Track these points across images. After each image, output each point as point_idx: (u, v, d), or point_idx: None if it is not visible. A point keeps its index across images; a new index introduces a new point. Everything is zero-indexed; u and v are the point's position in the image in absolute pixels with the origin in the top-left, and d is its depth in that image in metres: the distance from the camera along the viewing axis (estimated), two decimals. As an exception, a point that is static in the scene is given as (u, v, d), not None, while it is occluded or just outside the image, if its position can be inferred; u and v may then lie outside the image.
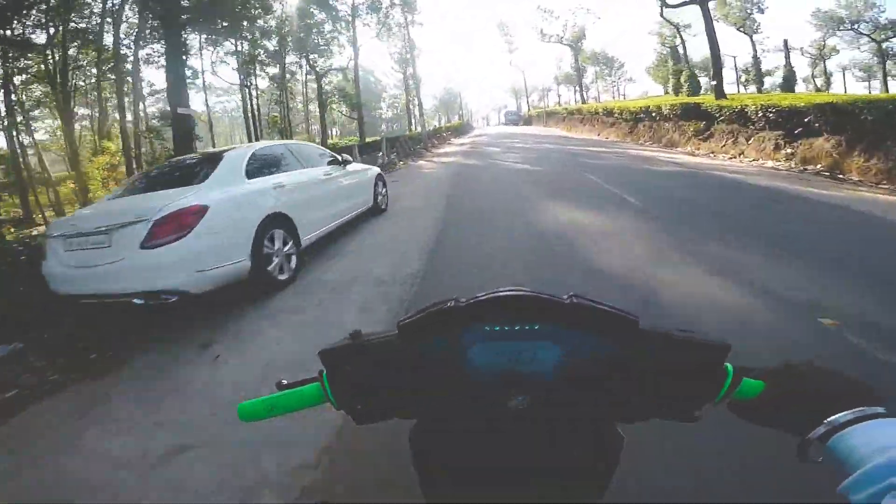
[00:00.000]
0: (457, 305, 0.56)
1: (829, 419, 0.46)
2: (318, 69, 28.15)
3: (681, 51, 37.87)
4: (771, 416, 0.53)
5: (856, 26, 36.50)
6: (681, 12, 28.81)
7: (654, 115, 18.34)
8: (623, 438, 0.62)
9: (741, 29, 36.63)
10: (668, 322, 0.60)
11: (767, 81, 39.35)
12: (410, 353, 0.58)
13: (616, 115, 23.26)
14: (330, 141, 27.96)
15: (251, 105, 27.32)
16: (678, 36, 37.57)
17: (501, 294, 0.56)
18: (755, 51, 37.34)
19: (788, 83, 35.02)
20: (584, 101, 46.76)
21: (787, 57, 36.22)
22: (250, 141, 24.30)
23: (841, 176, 8.24)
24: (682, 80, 33.11)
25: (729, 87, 27.61)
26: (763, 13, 36.16)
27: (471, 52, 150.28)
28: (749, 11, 36.12)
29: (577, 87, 51.06)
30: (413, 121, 35.69)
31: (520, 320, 0.56)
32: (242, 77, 28.51)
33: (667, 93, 48.38)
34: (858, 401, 0.46)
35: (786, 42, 36.39)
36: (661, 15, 29.32)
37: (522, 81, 63.73)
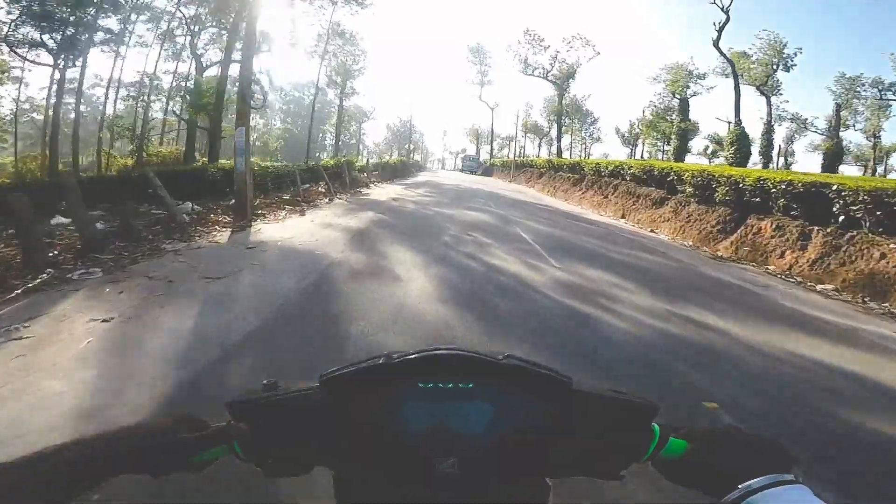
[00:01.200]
0: (388, 362, 0.54)
1: (743, 484, 0.48)
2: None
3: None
4: (692, 476, 0.55)
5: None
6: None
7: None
8: (550, 487, 0.62)
9: (761, 88, 29.28)
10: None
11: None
12: (334, 409, 0.55)
13: (670, 180, 13.63)
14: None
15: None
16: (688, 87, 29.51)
17: (436, 352, 0.55)
18: (770, 117, 29.88)
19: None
20: (559, 154, 38.28)
21: (837, 126, 28.80)
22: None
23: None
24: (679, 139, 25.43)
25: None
26: (790, 70, 28.97)
27: (434, 78, 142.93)
28: (774, 68, 28.85)
29: (556, 137, 42.66)
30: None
31: (453, 379, 0.55)
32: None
33: (649, 155, 40.55)
34: (775, 465, 0.49)
35: (838, 107, 29.18)
36: (716, 45, 21.30)
37: (489, 122, 56.46)
